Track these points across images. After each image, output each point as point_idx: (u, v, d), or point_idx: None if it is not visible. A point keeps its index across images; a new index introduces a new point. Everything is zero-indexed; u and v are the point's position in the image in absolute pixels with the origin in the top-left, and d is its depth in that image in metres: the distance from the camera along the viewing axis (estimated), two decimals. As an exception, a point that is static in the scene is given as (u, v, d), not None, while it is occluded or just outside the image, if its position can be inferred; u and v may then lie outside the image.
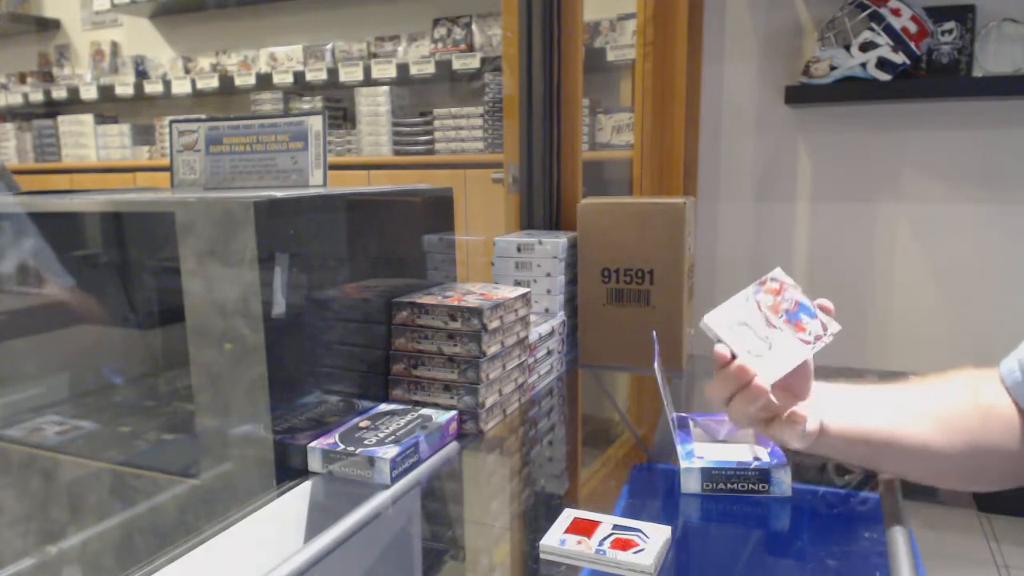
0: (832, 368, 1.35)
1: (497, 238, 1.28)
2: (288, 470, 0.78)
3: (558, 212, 1.53)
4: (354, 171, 2.97)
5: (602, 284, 1.24)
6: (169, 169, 1.07)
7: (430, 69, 2.96)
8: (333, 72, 3.17)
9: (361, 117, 3.09)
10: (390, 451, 0.77)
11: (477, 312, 0.90)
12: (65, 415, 1.01)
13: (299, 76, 3.24)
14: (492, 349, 0.93)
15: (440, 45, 3.00)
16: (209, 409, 0.78)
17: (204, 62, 3.55)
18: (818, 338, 0.67)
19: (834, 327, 0.68)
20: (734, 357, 0.64)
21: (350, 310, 0.89)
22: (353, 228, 0.90)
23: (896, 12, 1.74)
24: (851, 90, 1.83)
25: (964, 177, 1.87)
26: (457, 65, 2.90)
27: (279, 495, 0.75)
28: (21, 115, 3.98)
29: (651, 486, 0.86)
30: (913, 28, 1.74)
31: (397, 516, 0.76)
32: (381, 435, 0.81)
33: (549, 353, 1.15)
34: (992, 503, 1.97)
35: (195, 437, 0.81)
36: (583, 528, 0.66)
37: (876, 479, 0.79)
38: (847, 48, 1.80)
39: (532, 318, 1.10)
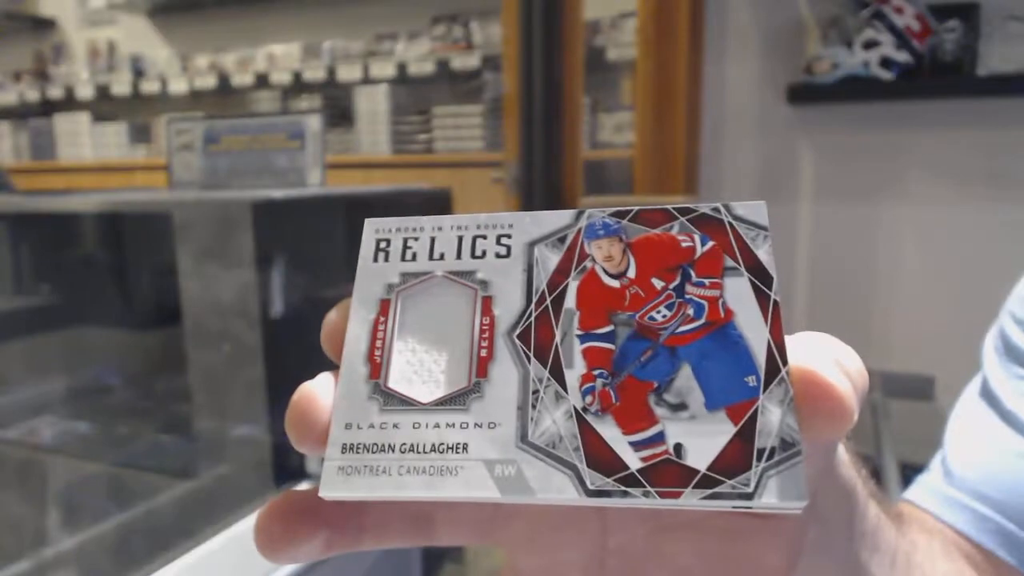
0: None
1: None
2: (286, 471, 0.77)
3: (558, 212, 1.52)
4: (352, 170, 2.96)
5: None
6: (166, 169, 1.06)
7: (429, 68, 2.95)
8: (331, 71, 3.16)
9: (359, 116, 3.09)
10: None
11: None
12: (62, 416, 1.00)
13: (297, 75, 3.23)
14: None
15: (439, 44, 2.99)
16: (207, 410, 0.77)
17: (201, 61, 3.54)
18: None
19: None
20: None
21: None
22: (352, 228, 0.89)
23: (899, 10, 1.73)
24: (854, 89, 1.82)
25: (968, 176, 1.87)
26: (456, 64, 2.89)
27: (278, 499, 0.74)
28: (17, 114, 3.97)
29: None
30: (916, 26, 1.73)
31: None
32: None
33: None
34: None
35: (193, 438, 0.80)
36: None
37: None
38: (849, 46, 1.79)
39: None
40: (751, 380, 0.18)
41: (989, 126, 1.82)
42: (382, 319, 0.20)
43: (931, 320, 1.92)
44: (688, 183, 1.92)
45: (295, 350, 0.78)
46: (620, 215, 0.20)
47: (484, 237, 0.21)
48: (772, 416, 0.17)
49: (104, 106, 3.76)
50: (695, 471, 0.17)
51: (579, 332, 0.19)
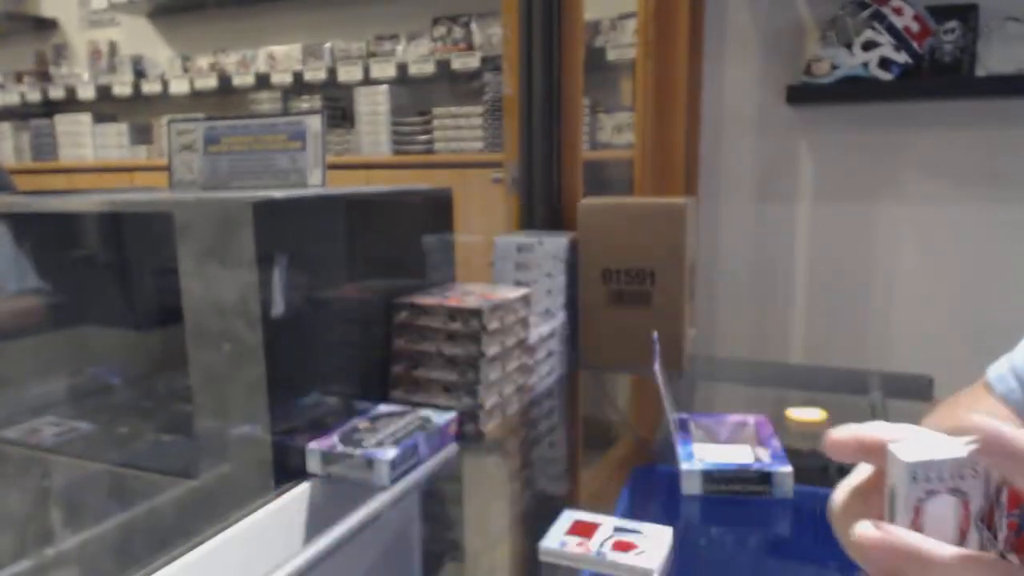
0: (833, 369, 1.35)
1: (497, 238, 1.28)
2: (287, 471, 0.77)
3: (558, 212, 1.52)
4: (353, 171, 2.96)
5: (603, 285, 1.24)
6: (167, 169, 1.07)
7: (429, 68, 2.96)
8: (332, 71, 3.17)
9: (360, 117, 3.09)
10: (389, 452, 0.76)
11: (477, 313, 0.90)
12: (63, 416, 1.00)
13: (298, 76, 3.24)
14: (492, 350, 0.92)
15: (439, 44, 2.99)
16: (207, 410, 0.78)
17: (202, 61, 3.54)
18: None
19: None
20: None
21: (349, 311, 0.89)
22: (352, 228, 0.89)
23: (898, 11, 1.73)
24: (853, 89, 1.83)
25: (967, 177, 1.87)
26: (457, 64, 2.90)
27: (277, 496, 0.75)
28: (18, 114, 3.97)
29: (652, 488, 0.85)
30: (915, 27, 1.73)
31: (396, 518, 0.75)
32: (380, 436, 0.81)
33: (550, 354, 1.15)
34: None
35: (193, 438, 0.80)
36: (583, 530, 0.65)
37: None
38: (848, 47, 1.79)
39: (532, 319, 1.09)
40: None
41: (988, 126, 1.83)
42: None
43: (930, 320, 1.93)
44: (688, 183, 1.92)
45: (296, 350, 0.78)
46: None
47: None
48: None
49: (105, 107, 3.76)
50: None
51: None
